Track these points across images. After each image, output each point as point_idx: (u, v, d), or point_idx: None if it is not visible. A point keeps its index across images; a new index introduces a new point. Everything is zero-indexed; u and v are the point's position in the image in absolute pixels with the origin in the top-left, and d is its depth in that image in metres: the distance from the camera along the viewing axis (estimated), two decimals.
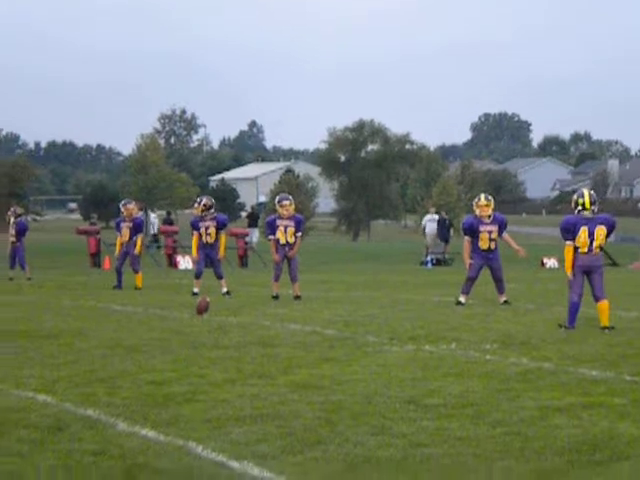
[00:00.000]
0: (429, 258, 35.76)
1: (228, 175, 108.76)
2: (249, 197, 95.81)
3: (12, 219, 24.04)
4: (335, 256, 41.85)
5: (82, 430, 6.35)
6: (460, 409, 7.03)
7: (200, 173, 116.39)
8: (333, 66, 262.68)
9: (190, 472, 5.36)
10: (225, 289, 17.97)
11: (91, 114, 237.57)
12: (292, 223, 17.14)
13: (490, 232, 15.77)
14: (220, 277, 18.12)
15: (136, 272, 20.00)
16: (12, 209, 24.96)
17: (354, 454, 5.73)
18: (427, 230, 36.30)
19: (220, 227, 18.19)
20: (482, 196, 16.09)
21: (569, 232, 12.09)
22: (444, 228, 36.40)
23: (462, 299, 15.75)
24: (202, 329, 12.09)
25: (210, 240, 18.01)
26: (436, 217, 36.71)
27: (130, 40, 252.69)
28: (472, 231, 15.70)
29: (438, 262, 35.62)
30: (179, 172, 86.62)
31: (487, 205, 15.82)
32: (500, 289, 16.04)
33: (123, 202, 20.84)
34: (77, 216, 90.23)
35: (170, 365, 9.09)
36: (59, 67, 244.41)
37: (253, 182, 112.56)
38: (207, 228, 18.02)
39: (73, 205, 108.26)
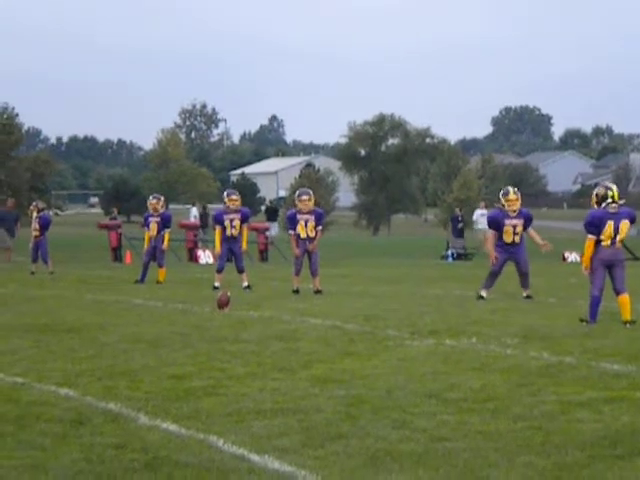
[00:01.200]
0: (450, 252, 35.70)
1: (248, 170, 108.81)
2: (269, 192, 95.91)
3: (35, 213, 24.18)
4: (355, 250, 41.84)
5: (104, 424, 6.38)
6: (481, 403, 7.01)
7: (220, 168, 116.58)
8: (353, 60, 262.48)
9: (211, 465, 5.38)
10: (246, 283, 17.99)
11: (112, 109, 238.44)
12: (312, 217, 17.15)
13: (515, 226, 15.72)
14: (241, 271, 18.15)
15: (160, 267, 20.05)
16: (34, 203, 25.09)
17: (375, 448, 5.73)
18: (479, 226, 36.09)
19: (244, 220, 18.25)
20: (511, 190, 16.02)
21: (595, 226, 12.01)
22: (457, 224, 36.32)
23: (484, 293, 15.70)
24: (223, 323, 12.11)
25: (235, 233, 18.06)
26: (486, 212, 36.51)
27: (150, 36, 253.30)
28: (497, 224, 15.66)
29: (459, 256, 35.55)
30: (200, 167, 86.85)
31: (516, 199, 15.77)
32: (524, 284, 15.98)
33: (150, 197, 20.90)
34: (98, 210, 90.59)
35: (191, 359, 9.11)
36: (80, 63, 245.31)
37: (273, 176, 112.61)
38: (232, 220, 18.06)
39: (94, 200, 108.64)
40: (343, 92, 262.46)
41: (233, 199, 18.21)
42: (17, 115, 59.02)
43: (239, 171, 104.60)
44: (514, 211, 15.75)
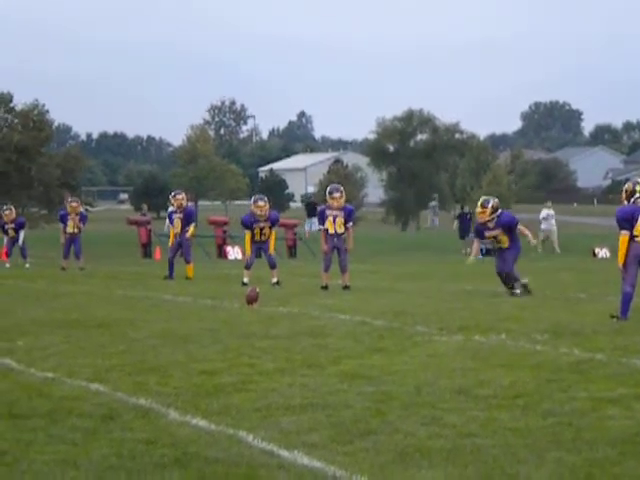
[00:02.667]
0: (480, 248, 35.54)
1: (277, 166, 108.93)
2: (298, 188, 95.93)
3: (79, 210, 24.42)
4: (384, 246, 41.80)
5: (134, 419, 6.41)
6: (511, 400, 6.99)
7: (249, 164, 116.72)
8: (382, 55, 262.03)
9: (240, 461, 5.39)
10: (275, 279, 18.02)
11: (142, 106, 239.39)
12: (342, 213, 17.14)
13: (495, 236, 15.64)
14: (273, 267, 18.19)
15: (188, 262, 20.12)
16: (76, 200, 25.25)
17: (404, 444, 5.72)
18: (543, 226, 35.91)
19: (273, 226, 18.30)
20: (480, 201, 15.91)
21: (627, 221, 11.89)
22: (465, 223, 35.87)
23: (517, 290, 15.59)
24: (252, 319, 12.14)
25: (264, 238, 18.16)
26: (552, 212, 36.31)
27: (179, 33, 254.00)
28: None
29: (488, 252, 35.41)
30: (229, 163, 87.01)
31: (482, 212, 15.54)
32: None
33: (172, 193, 20.96)
34: (128, 207, 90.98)
35: (220, 355, 9.13)
36: (110, 60, 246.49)
37: (302, 173, 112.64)
38: (262, 229, 18.11)
39: (124, 196, 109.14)
40: (372, 88, 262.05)
41: (259, 205, 18.17)
42: (47, 112, 59.38)
43: (268, 167, 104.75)
44: (487, 221, 15.55)
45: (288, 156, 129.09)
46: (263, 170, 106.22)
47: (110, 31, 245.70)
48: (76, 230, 24.10)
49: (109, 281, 19.61)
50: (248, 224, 18.18)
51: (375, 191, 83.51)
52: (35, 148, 56.91)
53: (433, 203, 64.81)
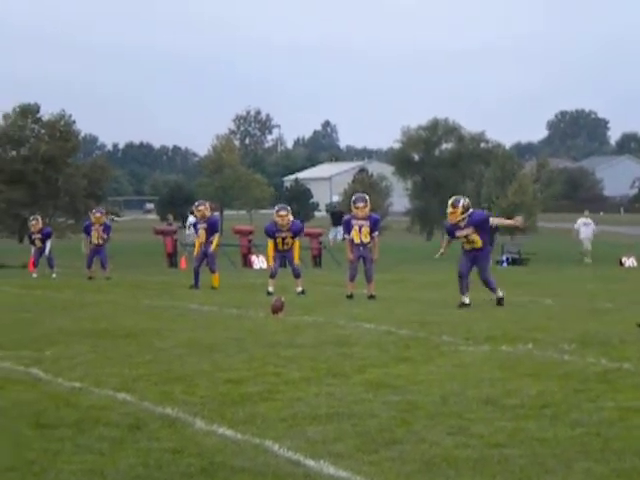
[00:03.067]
0: (504, 257, 35.46)
1: (302, 175, 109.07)
2: (323, 197, 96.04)
3: (103, 220, 24.55)
4: (409, 256, 41.71)
5: (160, 429, 6.42)
6: (538, 410, 6.95)
7: (274, 173, 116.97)
8: (407, 64, 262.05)
9: (267, 470, 5.39)
10: (300, 288, 18.03)
11: (167, 116, 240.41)
12: (367, 223, 17.14)
13: (467, 235, 15.28)
14: (297, 276, 18.21)
15: (213, 272, 20.17)
16: (93, 210, 25.38)
17: (430, 454, 5.71)
18: (582, 236, 35.59)
19: (296, 236, 18.32)
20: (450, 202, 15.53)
21: None
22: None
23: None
24: (277, 328, 12.14)
25: (286, 248, 18.20)
26: (590, 221, 36.02)
27: (205, 44, 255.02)
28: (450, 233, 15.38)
29: (513, 261, 35.30)
30: (254, 172, 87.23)
31: (452, 212, 15.19)
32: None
33: (195, 204, 21.01)
34: (154, 216, 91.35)
35: (246, 364, 9.14)
36: (136, 71, 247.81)
37: (327, 182, 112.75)
38: (284, 239, 18.16)
39: (150, 206, 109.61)
40: (397, 97, 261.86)
41: (281, 215, 18.22)
42: (74, 122, 59.73)
43: (293, 177, 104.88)
44: (459, 221, 15.26)
45: (313, 165, 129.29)
46: (288, 179, 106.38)
47: (137, 41, 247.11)
48: (100, 241, 24.26)
49: (135, 290, 19.68)
50: (270, 233, 18.24)
51: (400, 200, 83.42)
52: (62, 158, 57.25)
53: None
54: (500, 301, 15.40)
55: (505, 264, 34.74)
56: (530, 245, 42.63)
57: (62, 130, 58.21)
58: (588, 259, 34.62)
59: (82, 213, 54.95)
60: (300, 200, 79.48)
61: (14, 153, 58.25)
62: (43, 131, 58.50)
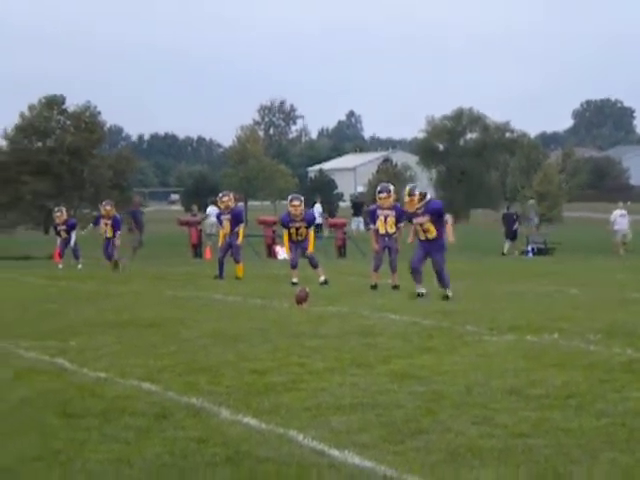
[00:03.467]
0: (530, 247, 35.32)
1: (326, 165, 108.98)
2: (347, 187, 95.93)
3: (111, 214, 24.69)
4: None
5: (186, 418, 6.45)
6: (563, 400, 6.93)
7: (298, 164, 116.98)
8: (430, 53, 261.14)
9: (291, 460, 5.40)
10: (323, 278, 18.04)
11: (192, 107, 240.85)
12: (393, 213, 17.10)
13: (422, 224, 15.21)
14: (315, 266, 18.23)
15: (237, 262, 20.21)
16: (110, 203, 25.46)
17: (455, 444, 5.70)
18: (617, 227, 35.19)
19: (309, 225, 18.32)
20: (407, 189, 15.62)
21: None
22: (512, 225, 35.37)
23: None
24: (301, 319, 12.16)
25: (301, 239, 18.23)
26: (625, 212, 35.65)
27: (229, 35, 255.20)
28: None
29: (539, 251, 35.16)
30: (278, 163, 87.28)
31: (411, 200, 15.15)
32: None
33: (219, 195, 21.03)
34: (178, 207, 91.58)
35: (270, 354, 9.16)
36: (161, 62, 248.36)
37: (351, 172, 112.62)
38: (298, 229, 18.19)
39: (175, 197, 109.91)
40: (421, 86, 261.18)
41: (294, 205, 18.25)
42: (99, 113, 59.96)
43: (317, 167, 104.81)
44: (417, 209, 15.10)
45: (337, 156, 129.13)
46: (312, 170, 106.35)
47: (160, 36, 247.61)
48: (110, 234, 24.45)
49: (159, 281, 19.74)
50: (285, 223, 18.29)
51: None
52: (87, 150, 57.50)
53: (531, 202, 63.27)
54: (446, 297, 14.73)
55: (531, 254, 34.60)
56: (556, 235, 42.45)
57: (87, 121, 58.45)
58: (623, 251, 34.23)
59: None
60: (324, 191, 79.41)
61: (40, 144, 58.58)
62: (69, 122, 58.77)
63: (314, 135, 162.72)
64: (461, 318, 12.02)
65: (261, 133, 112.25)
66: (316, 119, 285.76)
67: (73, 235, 25.72)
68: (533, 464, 5.29)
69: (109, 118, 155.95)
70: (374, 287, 16.91)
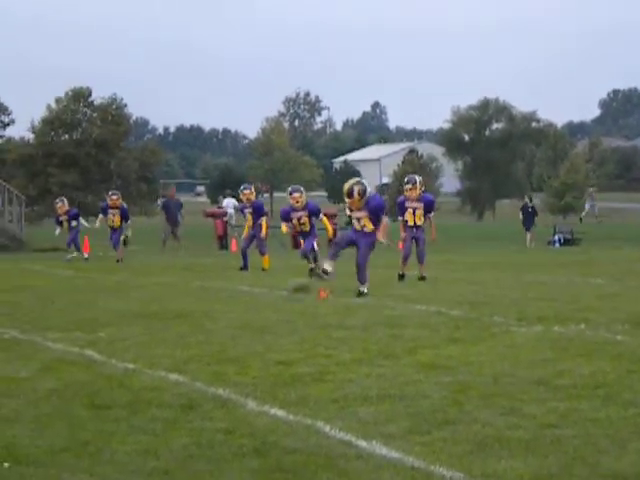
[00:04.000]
0: (557, 237, 35.17)
1: (351, 157, 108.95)
2: (372, 178, 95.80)
3: (117, 204, 24.92)
4: (460, 236, 41.53)
5: (213, 409, 6.47)
6: (591, 390, 6.90)
7: (323, 155, 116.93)
8: (456, 43, 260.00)
9: (319, 451, 5.41)
10: (312, 266, 17.99)
11: (217, 99, 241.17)
12: (421, 205, 17.05)
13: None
14: (314, 258, 18.19)
15: (262, 254, 20.24)
16: (117, 194, 25.56)
17: (483, 435, 5.69)
18: None
19: (312, 215, 18.20)
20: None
21: None
22: (529, 216, 35.04)
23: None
24: (328, 310, 12.16)
25: (305, 229, 18.15)
26: None
27: (255, 25, 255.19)
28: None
29: (566, 241, 34.99)
30: (303, 154, 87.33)
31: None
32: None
33: (241, 187, 21.07)
34: (204, 199, 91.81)
35: (297, 345, 9.17)
36: (186, 54, 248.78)
37: (376, 163, 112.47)
38: (300, 218, 18.13)
39: (201, 188, 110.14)
40: (446, 77, 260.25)
41: (294, 197, 18.22)
42: (126, 106, 60.17)
43: (342, 158, 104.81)
44: (358, 207, 14.23)
45: (362, 147, 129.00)
46: (337, 161, 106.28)
47: (187, 30, 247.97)
48: (117, 224, 24.60)
49: (186, 272, 19.81)
50: (284, 215, 18.25)
51: (451, 181, 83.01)
52: (114, 142, 57.75)
53: (591, 189, 62.57)
54: (360, 294, 14.01)
55: (557, 244, 34.47)
56: (582, 225, 42.23)
57: (114, 114, 58.68)
58: None
59: (134, 196, 55.43)
60: None
61: (67, 137, 58.87)
62: (95, 115, 59.02)
63: (339, 126, 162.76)
64: (488, 309, 11.98)
65: (286, 125, 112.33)
66: (341, 110, 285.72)
67: (79, 223, 25.99)
68: (561, 454, 5.27)
69: (135, 111, 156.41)
70: (401, 277, 16.90)
